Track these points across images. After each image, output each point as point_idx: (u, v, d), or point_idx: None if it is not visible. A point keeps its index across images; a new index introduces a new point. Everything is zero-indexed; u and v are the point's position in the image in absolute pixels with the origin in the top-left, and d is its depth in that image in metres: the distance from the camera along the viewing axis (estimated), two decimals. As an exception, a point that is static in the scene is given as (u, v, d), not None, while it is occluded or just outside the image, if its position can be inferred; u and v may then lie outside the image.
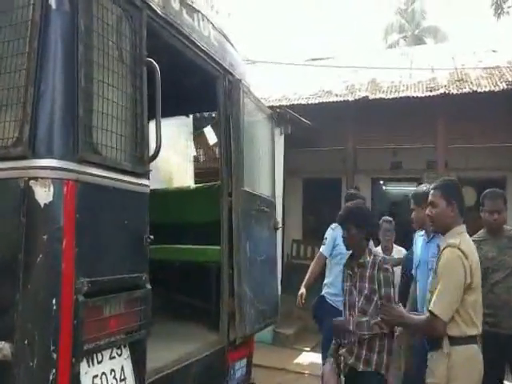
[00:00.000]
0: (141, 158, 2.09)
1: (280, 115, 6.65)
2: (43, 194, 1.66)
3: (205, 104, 3.15)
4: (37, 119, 1.70)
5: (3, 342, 1.62)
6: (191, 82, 3.13)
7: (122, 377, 1.94)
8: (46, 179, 1.67)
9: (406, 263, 3.53)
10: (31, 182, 1.67)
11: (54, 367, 1.60)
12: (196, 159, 6.21)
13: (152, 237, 2.12)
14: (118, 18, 2.05)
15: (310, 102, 8.18)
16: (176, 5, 2.55)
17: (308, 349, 6.24)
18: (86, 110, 1.80)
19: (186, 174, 4.36)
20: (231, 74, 3.04)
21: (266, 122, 3.55)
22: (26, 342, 1.60)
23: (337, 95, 8.36)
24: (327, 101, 8.15)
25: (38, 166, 1.67)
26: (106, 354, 1.89)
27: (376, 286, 2.53)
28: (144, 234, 2.09)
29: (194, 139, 5.61)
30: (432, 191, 2.43)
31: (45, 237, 1.64)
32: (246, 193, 2.96)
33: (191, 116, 4.24)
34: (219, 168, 2.99)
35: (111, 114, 1.94)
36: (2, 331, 1.64)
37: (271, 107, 7.32)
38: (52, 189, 1.67)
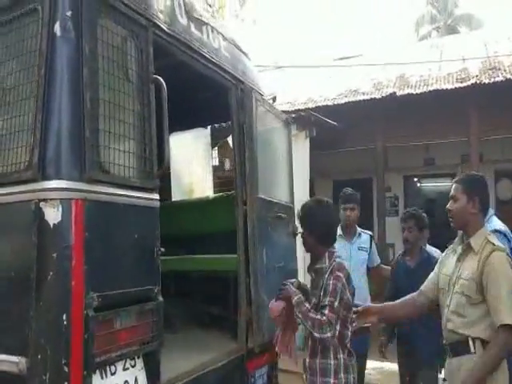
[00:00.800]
0: (149, 174, 2.15)
1: (304, 118, 6.62)
2: (52, 215, 1.74)
3: (220, 114, 3.19)
4: (45, 143, 1.78)
5: (19, 357, 1.71)
6: (204, 94, 3.18)
7: (136, 387, 2.00)
8: (55, 200, 1.74)
9: None
10: (41, 204, 1.75)
11: (66, 380, 1.67)
12: (221, 169, 6.28)
13: (163, 249, 2.17)
14: (123, 39, 2.11)
15: (335, 103, 8.10)
16: (184, 20, 2.60)
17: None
18: (92, 130, 1.86)
19: (206, 185, 4.43)
20: (243, 83, 3.07)
21: (282, 127, 3.55)
22: (39, 356, 1.68)
23: (364, 93, 8.24)
24: (353, 100, 8.05)
25: (47, 188, 1.75)
26: (119, 365, 1.95)
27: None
28: (155, 246, 2.14)
29: (218, 148, 5.69)
30: (454, 185, 2.29)
31: (54, 255, 1.72)
32: (261, 200, 2.97)
33: (209, 127, 4.29)
34: (234, 177, 3.02)
35: (118, 133, 2.01)
36: (18, 346, 1.73)
37: (296, 111, 7.38)
38: (60, 209, 1.74)
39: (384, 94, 7.81)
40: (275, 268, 3.05)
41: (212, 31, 2.86)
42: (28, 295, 1.72)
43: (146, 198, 2.11)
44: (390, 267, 3.70)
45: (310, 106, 8.20)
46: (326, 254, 2.37)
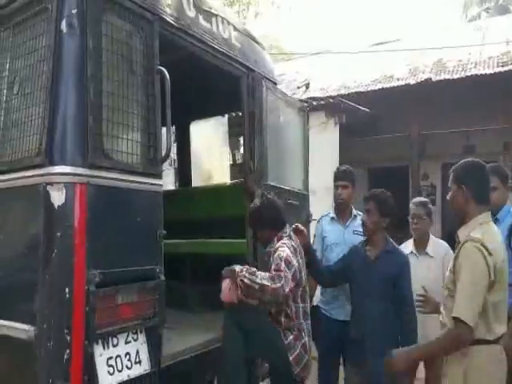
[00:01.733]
0: (153, 161, 2.28)
1: (333, 105, 6.59)
2: (57, 197, 1.90)
3: (234, 103, 3.26)
4: (52, 131, 1.94)
5: (28, 325, 1.90)
6: (217, 83, 3.26)
7: (137, 360, 2.15)
8: (59, 184, 1.90)
9: None
10: (48, 187, 1.91)
11: (69, 348, 1.84)
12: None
13: (165, 232, 2.30)
14: (128, 33, 2.24)
15: (369, 89, 7.97)
16: (192, 13, 2.69)
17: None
18: (95, 119, 2.01)
19: (223, 171, 4.54)
20: (254, 71, 3.13)
21: (297, 115, 3.59)
22: (45, 325, 1.86)
23: (398, 79, 8.06)
24: (388, 86, 7.90)
25: (53, 172, 1.91)
26: (122, 338, 2.10)
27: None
28: (157, 229, 2.27)
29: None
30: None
31: (58, 234, 1.88)
32: (270, 187, 3.05)
33: (226, 116, 4.39)
34: (244, 164, 3.11)
35: (122, 122, 2.14)
36: (28, 316, 1.91)
37: (326, 97, 7.33)
38: (64, 192, 1.90)
39: (419, 80, 7.61)
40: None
41: (222, 22, 2.94)
42: (36, 270, 1.90)
43: (148, 183, 2.24)
44: None
45: (343, 92, 8.14)
46: (275, 238, 2.63)
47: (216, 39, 2.84)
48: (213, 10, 2.88)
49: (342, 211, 3.26)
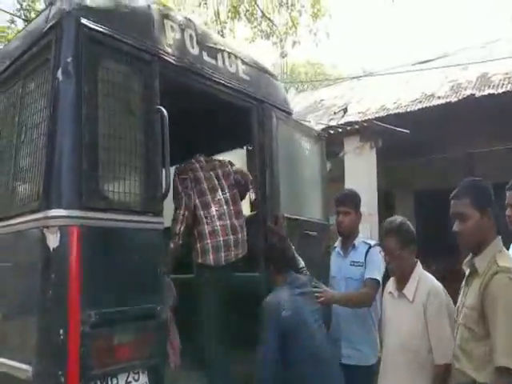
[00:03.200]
0: (152, 199, 2.29)
1: (368, 129, 6.43)
2: (52, 240, 1.95)
3: (247, 136, 3.26)
4: (49, 176, 2.01)
5: (27, 366, 1.93)
6: (227, 117, 3.26)
7: (139, 400, 2.12)
8: (55, 227, 1.95)
9: None
10: (45, 230, 1.97)
11: (62, 390, 1.85)
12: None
13: (165, 270, 2.29)
14: (125, 76, 2.31)
15: (408, 110, 7.71)
16: (195, 50, 2.74)
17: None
18: (90, 162, 2.06)
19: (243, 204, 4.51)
20: (264, 102, 3.12)
21: (313, 144, 3.52)
22: (40, 366, 1.88)
23: (439, 97, 7.74)
24: (428, 105, 7.60)
25: (49, 216, 1.97)
26: (122, 378, 2.09)
27: None
28: (158, 267, 2.27)
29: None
30: (454, 201, 1.97)
31: (53, 275, 1.92)
32: (283, 218, 2.97)
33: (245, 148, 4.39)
34: (256, 197, 3.07)
35: (119, 163, 2.19)
36: (27, 357, 1.95)
37: (363, 121, 7.18)
38: (59, 234, 1.94)
39: (461, 97, 7.27)
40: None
41: (229, 56, 2.97)
42: (33, 311, 1.95)
43: (147, 222, 2.25)
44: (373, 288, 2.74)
45: (382, 114, 7.92)
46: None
47: (222, 74, 2.87)
48: (218, 46, 2.92)
49: (344, 240, 2.99)
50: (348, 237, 2.93)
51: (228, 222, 2.92)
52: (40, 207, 2.00)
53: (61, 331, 1.88)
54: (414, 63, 11.19)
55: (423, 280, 2.31)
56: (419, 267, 2.38)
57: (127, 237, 2.18)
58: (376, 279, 2.71)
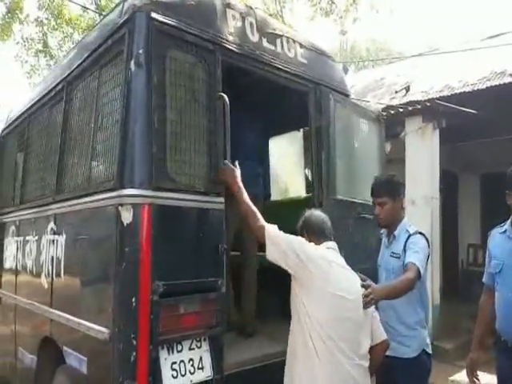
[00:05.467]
0: (215, 180, 2.45)
1: (431, 109, 6.23)
2: (126, 216, 2.16)
3: (306, 118, 3.32)
4: (122, 158, 2.22)
5: (105, 328, 2.18)
6: (287, 100, 3.34)
7: (200, 366, 2.32)
8: (128, 204, 2.16)
9: None
10: (119, 208, 2.18)
11: (135, 351, 2.07)
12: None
13: (226, 246, 2.45)
14: (190, 65, 2.45)
15: (475, 89, 7.34)
16: (254, 37, 2.83)
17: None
18: (159, 146, 2.24)
19: (299, 185, 4.58)
20: (321, 85, 3.16)
21: (371, 125, 3.52)
22: (116, 329, 2.12)
23: (511, 75, 7.29)
24: (497, 84, 7.19)
25: (123, 194, 2.18)
26: (186, 345, 2.29)
27: None
28: (219, 244, 2.43)
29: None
30: None
31: (127, 249, 2.14)
32: (339, 201, 3.04)
33: (301, 130, 4.43)
34: (311, 179, 3.14)
35: (185, 147, 2.36)
36: (104, 321, 2.20)
37: (425, 101, 6.94)
38: (132, 212, 2.15)
39: (533, 75, 6.81)
40: (357, 270, 3.06)
41: (287, 41, 3.04)
42: (110, 280, 2.19)
43: (210, 202, 2.42)
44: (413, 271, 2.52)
45: (446, 93, 7.59)
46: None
47: (280, 59, 2.95)
48: (277, 32, 2.99)
49: (387, 231, 2.83)
50: (389, 227, 2.78)
51: None
52: (115, 186, 2.21)
53: (133, 299, 2.10)
54: (484, 38, 10.56)
55: None
56: None
57: (192, 215, 2.35)
58: (414, 263, 2.49)
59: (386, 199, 2.71)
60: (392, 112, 6.77)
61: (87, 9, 10.11)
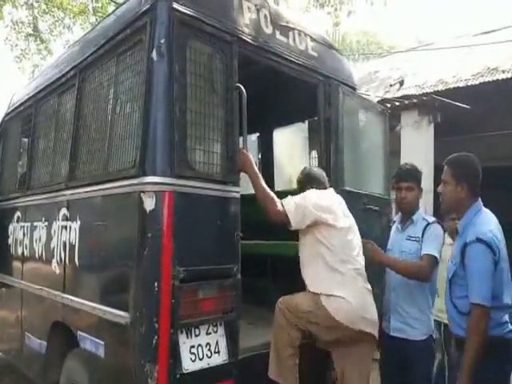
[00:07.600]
0: (231, 170, 2.50)
1: (426, 103, 6.34)
2: (148, 203, 2.20)
3: (313, 110, 3.38)
4: (145, 147, 2.25)
5: (126, 313, 2.23)
6: (295, 92, 3.40)
7: (217, 350, 2.39)
8: (151, 192, 2.21)
9: None
10: (142, 194, 2.22)
11: (157, 334, 2.13)
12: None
13: (241, 234, 2.51)
14: (209, 56, 2.49)
15: (469, 84, 7.48)
16: (268, 30, 2.88)
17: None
18: (180, 135, 2.28)
19: None
20: (331, 78, 3.23)
21: (377, 119, 3.60)
22: (137, 313, 2.17)
23: (504, 71, 7.44)
24: (490, 80, 7.34)
25: (145, 182, 2.22)
26: (203, 329, 2.36)
27: None
28: (235, 231, 2.49)
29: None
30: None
31: (149, 235, 2.18)
32: (346, 192, 3.12)
33: (307, 122, 4.49)
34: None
35: (203, 136, 2.40)
36: (125, 305, 2.25)
37: (421, 95, 7.06)
38: (154, 199, 2.20)
39: (526, 72, 6.97)
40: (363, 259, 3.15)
41: (299, 34, 3.09)
42: (131, 265, 2.23)
43: (227, 190, 2.47)
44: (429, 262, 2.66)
45: (440, 88, 7.73)
46: None
47: (292, 51, 3.01)
48: (290, 24, 3.04)
49: (403, 216, 2.93)
50: (410, 212, 2.87)
51: None
52: (137, 174, 2.24)
53: (155, 283, 2.15)
54: (476, 34, 10.71)
55: None
56: None
57: (210, 203, 2.41)
58: (433, 255, 2.65)
59: (413, 184, 2.85)
60: (388, 105, 6.86)
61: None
